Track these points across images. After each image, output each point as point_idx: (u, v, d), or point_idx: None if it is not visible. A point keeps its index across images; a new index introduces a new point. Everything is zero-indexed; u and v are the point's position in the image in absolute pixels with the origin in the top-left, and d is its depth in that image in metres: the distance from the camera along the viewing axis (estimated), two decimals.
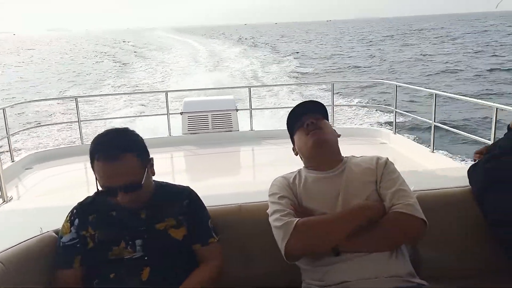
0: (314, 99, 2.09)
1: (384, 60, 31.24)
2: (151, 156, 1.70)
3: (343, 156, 1.87)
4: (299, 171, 1.87)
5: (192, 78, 20.29)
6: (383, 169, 1.75)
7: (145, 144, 1.67)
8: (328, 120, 1.94)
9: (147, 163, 1.66)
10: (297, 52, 37.89)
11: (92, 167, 1.59)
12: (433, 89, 5.55)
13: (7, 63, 40.80)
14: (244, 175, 5.36)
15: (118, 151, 1.54)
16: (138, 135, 1.67)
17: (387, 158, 1.81)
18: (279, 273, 1.88)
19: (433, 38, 49.28)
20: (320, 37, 65.42)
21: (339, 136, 1.91)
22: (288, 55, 34.52)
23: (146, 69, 27.15)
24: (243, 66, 26.54)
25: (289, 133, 1.98)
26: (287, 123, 1.97)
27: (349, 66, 28.59)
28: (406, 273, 1.59)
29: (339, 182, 1.73)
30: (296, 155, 1.96)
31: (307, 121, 1.85)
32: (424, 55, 32.27)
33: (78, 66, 33.80)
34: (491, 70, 22.95)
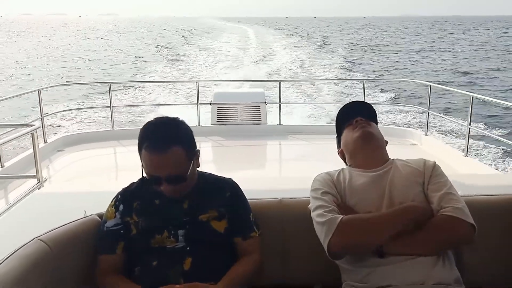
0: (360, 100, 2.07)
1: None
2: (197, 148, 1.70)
3: (389, 157, 1.83)
4: (342, 169, 1.83)
5: (240, 70, 20.53)
6: (431, 172, 1.71)
7: (193, 136, 1.68)
8: (377, 124, 1.91)
9: (193, 156, 1.66)
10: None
11: (140, 153, 1.61)
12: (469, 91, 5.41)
13: (70, 44, 42.06)
14: (271, 169, 5.36)
15: (166, 144, 1.55)
16: (187, 127, 1.67)
17: (435, 162, 1.77)
18: (318, 271, 1.86)
19: None
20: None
21: (386, 143, 1.88)
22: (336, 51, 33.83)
23: (199, 61, 27.22)
24: (292, 58, 26.40)
25: (337, 133, 1.96)
26: (336, 122, 1.95)
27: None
28: (453, 280, 1.55)
29: (385, 181, 1.69)
30: (343, 157, 1.93)
31: (357, 118, 1.84)
32: None
33: (135, 52, 34.30)
34: None
